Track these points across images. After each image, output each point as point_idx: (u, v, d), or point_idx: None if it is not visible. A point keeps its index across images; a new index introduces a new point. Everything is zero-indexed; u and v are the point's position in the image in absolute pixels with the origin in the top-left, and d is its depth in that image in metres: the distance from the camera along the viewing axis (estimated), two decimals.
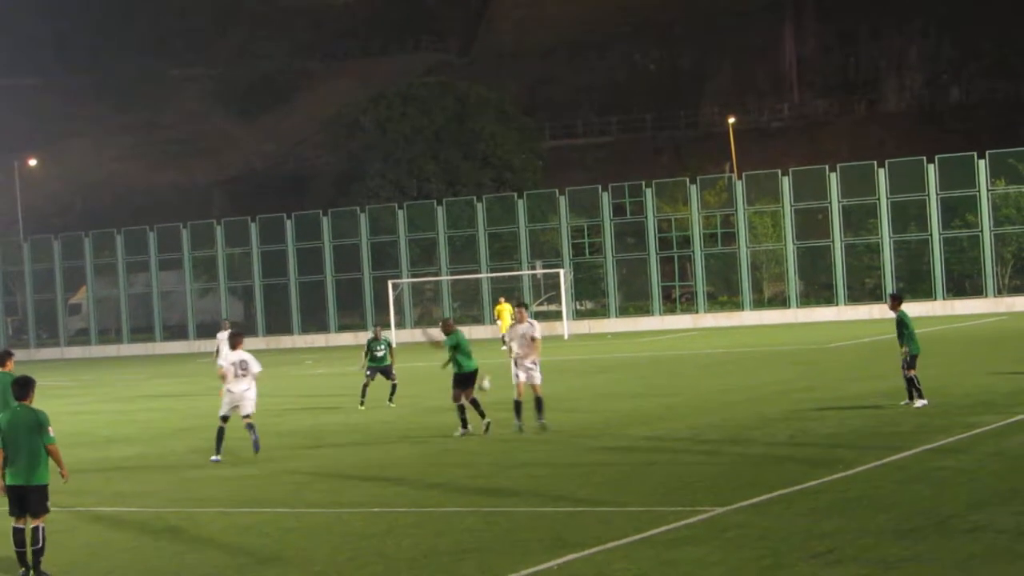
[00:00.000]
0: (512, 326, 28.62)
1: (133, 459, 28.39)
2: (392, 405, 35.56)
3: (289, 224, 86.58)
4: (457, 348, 28.31)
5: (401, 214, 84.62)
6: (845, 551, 15.38)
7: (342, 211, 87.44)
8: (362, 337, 72.76)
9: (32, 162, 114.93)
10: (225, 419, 26.95)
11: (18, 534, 16.51)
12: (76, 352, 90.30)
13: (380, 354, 36.35)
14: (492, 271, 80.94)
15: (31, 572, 16.53)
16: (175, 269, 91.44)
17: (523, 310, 28.50)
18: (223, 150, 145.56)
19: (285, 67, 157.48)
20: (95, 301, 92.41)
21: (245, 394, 27.00)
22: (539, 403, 27.71)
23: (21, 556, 16.54)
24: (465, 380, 28.15)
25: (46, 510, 16.59)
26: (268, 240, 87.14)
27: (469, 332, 76.81)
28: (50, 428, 16.59)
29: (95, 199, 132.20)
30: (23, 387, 16.84)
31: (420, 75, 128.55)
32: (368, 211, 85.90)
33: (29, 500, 16.42)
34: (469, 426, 28.13)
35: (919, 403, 28.20)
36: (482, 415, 28.20)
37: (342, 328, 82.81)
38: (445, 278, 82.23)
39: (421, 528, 18.37)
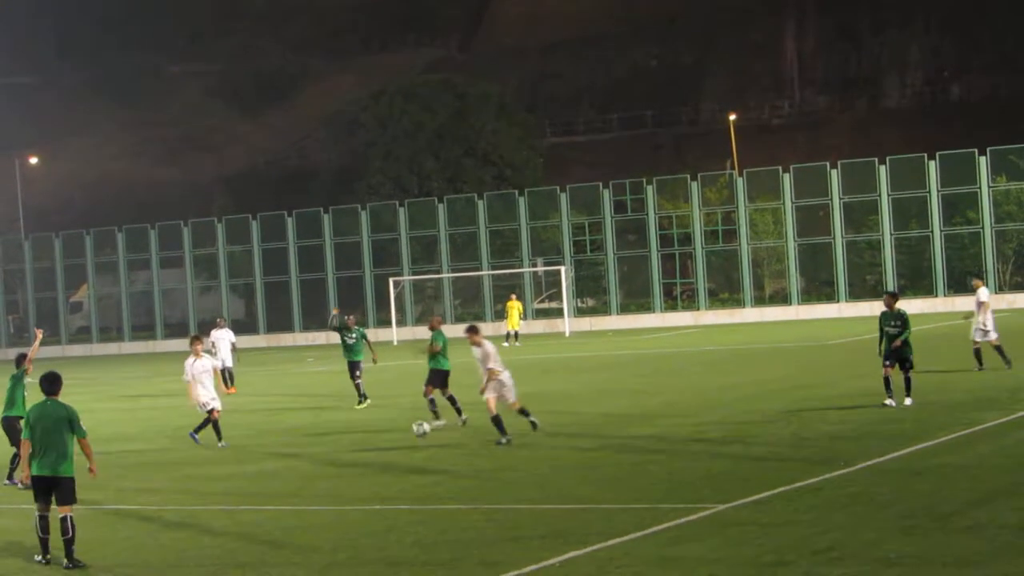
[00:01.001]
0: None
1: (134, 456, 28.41)
2: (361, 406, 35.14)
3: (290, 222, 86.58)
4: (443, 346, 28.95)
5: (402, 211, 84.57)
6: (846, 548, 15.39)
7: (343, 208, 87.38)
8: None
9: (33, 160, 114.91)
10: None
11: (43, 521, 17.08)
12: (78, 350, 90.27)
13: (351, 342, 36.17)
14: (493, 268, 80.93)
15: (65, 559, 16.98)
16: (176, 267, 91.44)
17: (474, 333, 27.11)
18: (224, 147, 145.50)
19: (286, 64, 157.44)
20: (96, 299, 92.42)
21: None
22: (522, 411, 26.88)
23: (44, 542, 17.12)
24: (442, 377, 29.17)
25: (74, 500, 17.18)
26: (269, 238, 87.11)
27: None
28: (81, 423, 17.22)
29: (96, 197, 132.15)
30: (52, 383, 17.46)
31: (420, 72, 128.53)
32: (369, 208, 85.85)
33: (59, 490, 16.98)
34: (443, 418, 28.27)
35: (889, 402, 28.01)
36: (459, 411, 29.15)
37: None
38: (446, 275, 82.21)
39: (423, 525, 18.38)
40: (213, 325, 47.44)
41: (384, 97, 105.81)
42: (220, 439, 28.72)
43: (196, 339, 29.80)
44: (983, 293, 34.98)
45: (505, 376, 26.50)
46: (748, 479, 20.28)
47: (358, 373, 35.93)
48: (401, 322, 77.27)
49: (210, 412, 28.68)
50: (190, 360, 28.88)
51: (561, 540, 16.63)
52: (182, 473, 25.25)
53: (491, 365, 26.34)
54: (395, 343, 69.98)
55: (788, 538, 16.06)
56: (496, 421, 26.27)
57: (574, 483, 21.18)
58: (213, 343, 44.69)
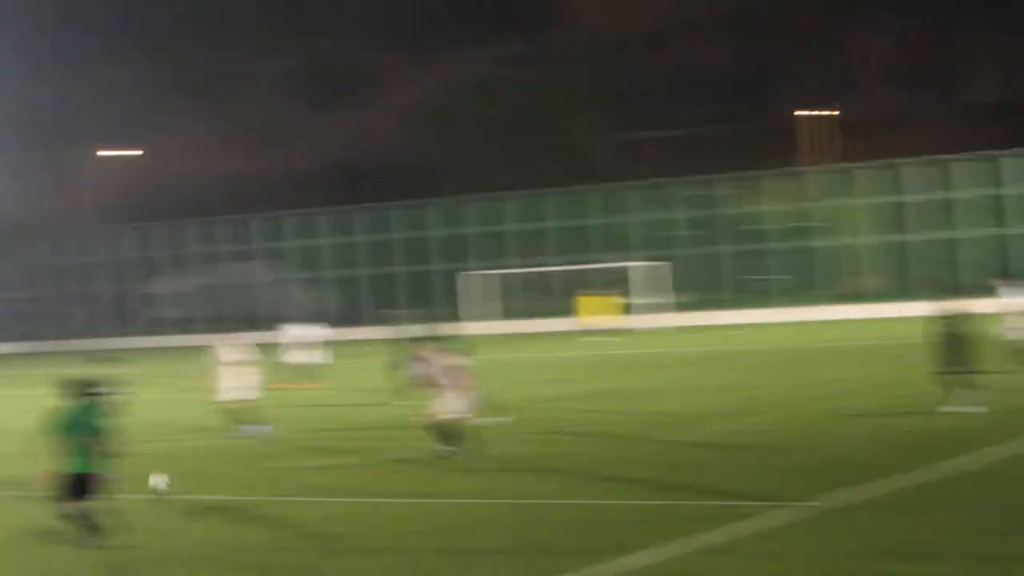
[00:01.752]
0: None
1: (215, 448, 28.41)
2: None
3: (393, 215, 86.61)
4: None
5: (476, 206, 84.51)
6: (937, 547, 15.17)
7: (417, 203, 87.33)
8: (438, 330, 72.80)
9: (116, 154, 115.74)
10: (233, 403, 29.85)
11: (77, 512, 17.55)
12: (170, 341, 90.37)
13: None
14: (567, 264, 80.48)
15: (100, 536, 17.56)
16: (254, 260, 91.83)
17: (429, 347, 25.88)
18: (301, 141, 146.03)
19: (363, 59, 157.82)
20: (177, 291, 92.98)
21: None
22: (452, 433, 24.71)
23: (86, 526, 17.58)
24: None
25: (102, 494, 17.62)
26: (338, 231, 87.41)
27: (543, 325, 76.88)
28: (103, 421, 17.76)
29: (179, 190, 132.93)
30: (80, 387, 17.97)
31: (495, 66, 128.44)
32: (442, 203, 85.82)
33: (89, 485, 17.47)
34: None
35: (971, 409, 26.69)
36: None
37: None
38: (516, 271, 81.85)
39: (504, 520, 18.32)
40: (292, 319, 47.28)
41: (459, 91, 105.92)
42: (234, 431, 29.52)
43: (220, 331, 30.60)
44: (1011, 294, 34.90)
45: (459, 394, 24.73)
46: (830, 478, 20.04)
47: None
48: (472, 318, 77.22)
49: (220, 403, 29.91)
50: (218, 349, 30.23)
51: (639, 536, 16.46)
52: (264, 465, 25.25)
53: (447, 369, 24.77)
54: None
55: (874, 537, 15.85)
56: (439, 428, 24.81)
57: (655, 479, 20.99)
58: (296, 337, 44.45)
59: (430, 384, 24.82)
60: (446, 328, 30.67)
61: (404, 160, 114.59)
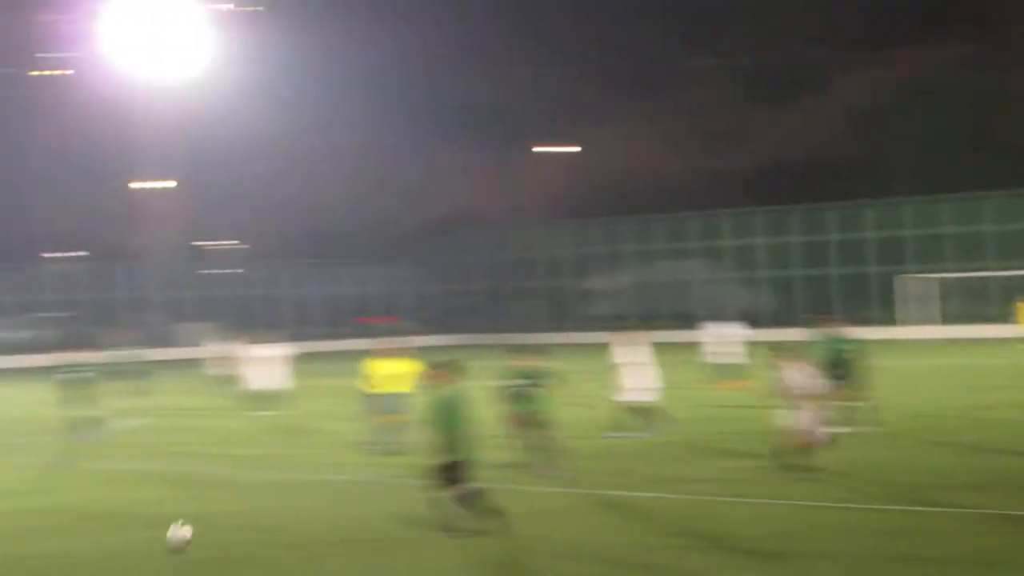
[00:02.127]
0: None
1: (621, 446, 28.39)
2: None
3: (804, 216, 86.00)
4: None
5: (913, 208, 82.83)
6: None
7: (854, 204, 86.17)
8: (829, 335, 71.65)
9: (553, 150, 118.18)
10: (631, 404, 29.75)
11: (454, 499, 18.11)
12: (592, 338, 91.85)
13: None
14: (1007, 268, 77.89)
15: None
16: (691, 258, 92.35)
17: (784, 357, 23.82)
18: (740, 139, 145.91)
19: (809, 55, 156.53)
20: (612, 288, 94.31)
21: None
22: (802, 451, 23.19)
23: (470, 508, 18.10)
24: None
25: (468, 480, 18.05)
26: (773, 231, 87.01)
27: (980, 331, 74.54)
28: (469, 407, 18.17)
29: (616, 186, 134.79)
30: (451, 370, 18.53)
31: (947, 65, 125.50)
32: (879, 204, 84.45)
33: (461, 471, 17.94)
34: None
35: None
36: None
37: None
38: (953, 275, 79.81)
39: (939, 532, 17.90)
40: (731, 317, 47.17)
41: (903, 91, 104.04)
42: (646, 429, 29.27)
43: (624, 330, 30.97)
44: None
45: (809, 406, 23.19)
46: None
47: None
48: (908, 321, 75.70)
49: (620, 403, 29.77)
50: (617, 348, 30.23)
51: None
52: (656, 464, 25.30)
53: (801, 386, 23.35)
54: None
55: None
56: (780, 440, 23.46)
57: None
58: (716, 336, 44.38)
59: (786, 394, 23.63)
60: (845, 331, 29.25)
61: (844, 159, 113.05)
